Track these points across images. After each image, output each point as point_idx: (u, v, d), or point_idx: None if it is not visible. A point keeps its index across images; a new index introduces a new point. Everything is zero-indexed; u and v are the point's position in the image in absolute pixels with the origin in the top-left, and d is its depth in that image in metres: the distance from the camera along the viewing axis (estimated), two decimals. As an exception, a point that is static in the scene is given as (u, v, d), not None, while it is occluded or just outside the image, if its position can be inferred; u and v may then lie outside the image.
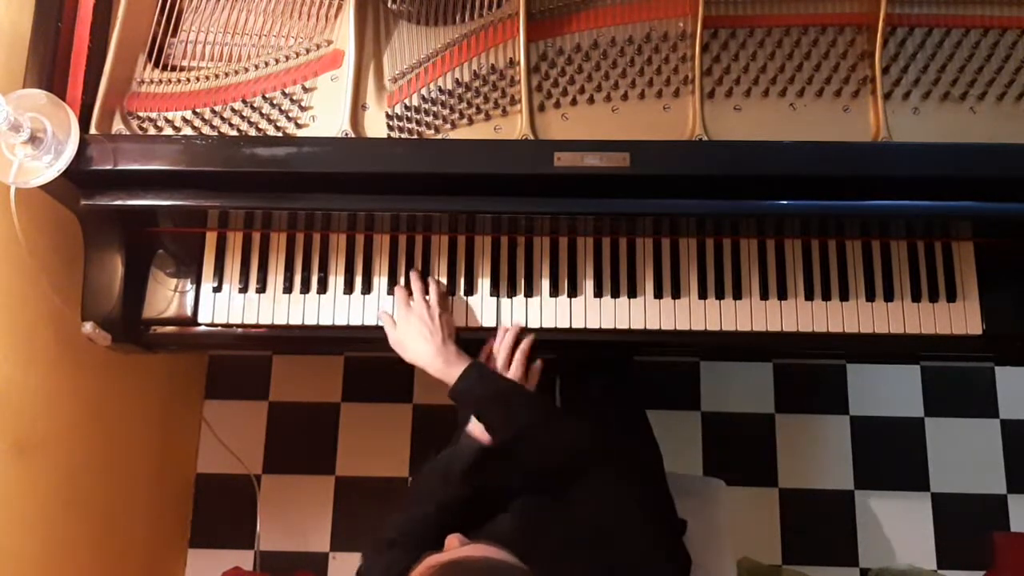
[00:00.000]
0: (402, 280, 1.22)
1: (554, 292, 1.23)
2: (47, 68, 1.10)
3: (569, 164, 1.06)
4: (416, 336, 1.13)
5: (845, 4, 1.20)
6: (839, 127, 1.16)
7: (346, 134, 1.14)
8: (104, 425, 1.52)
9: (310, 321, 1.22)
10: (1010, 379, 2.06)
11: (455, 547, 0.78)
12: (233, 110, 1.17)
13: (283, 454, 2.05)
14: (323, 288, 1.23)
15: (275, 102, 1.17)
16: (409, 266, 1.23)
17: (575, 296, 1.22)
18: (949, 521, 1.99)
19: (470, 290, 1.23)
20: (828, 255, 1.24)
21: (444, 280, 1.23)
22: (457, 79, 1.18)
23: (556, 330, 1.20)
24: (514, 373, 1.14)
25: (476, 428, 1.10)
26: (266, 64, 1.20)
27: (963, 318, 1.21)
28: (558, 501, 0.99)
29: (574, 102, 1.17)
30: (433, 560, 0.75)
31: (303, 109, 1.18)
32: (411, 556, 0.86)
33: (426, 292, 1.17)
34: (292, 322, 1.22)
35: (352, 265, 1.24)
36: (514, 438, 1.03)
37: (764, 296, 1.22)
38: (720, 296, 1.22)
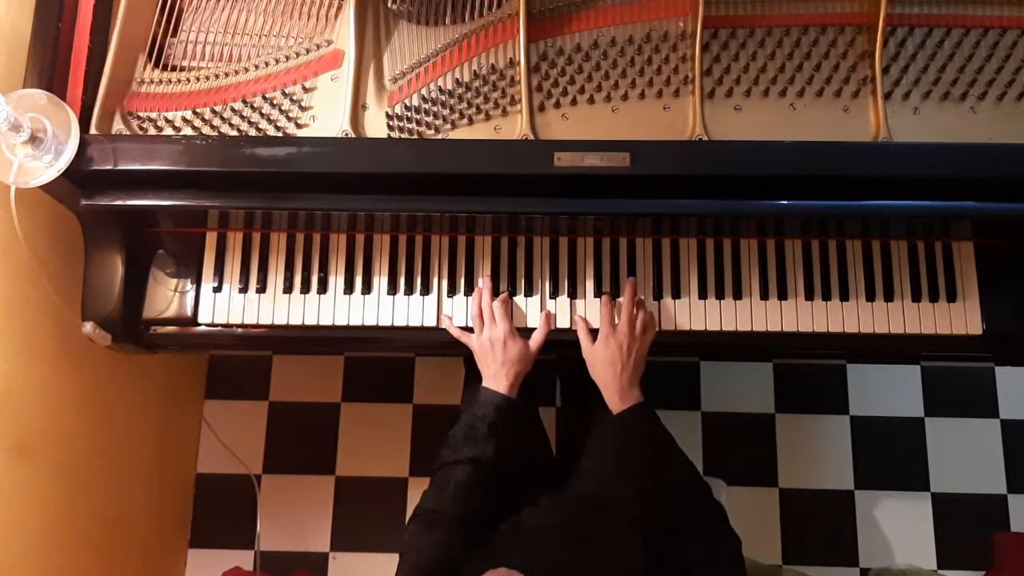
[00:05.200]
0: (600, 295, 1.22)
1: (554, 292, 1.23)
2: (47, 68, 1.11)
3: (569, 164, 1.06)
4: (610, 362, 1.13)
5: (845, 4, 1.20)
6: (839, 127, 1.16)
7: (346, 134, 1.14)
8: (104, 425, 1.52)
9: (310, 321, 1.22)
10: (1010, 379, 2.06)
11: None
12: (233, 110, 1.17)
13: (283, 454, 2.05)
14: (323, 288, 1.23)
15: (275, 102, 1.17)
16: (409, 266, 1.23)
17: (575, 296, 1.22)
18: (949, 521, 1.99)
19: (470, 290, 1.23)
20: (828, 255, 1.24)
21: (445, 283, 1.23)
22: (457, 79, 1.18)
23: (557, 330, 1.20)
24: (501, 325, 1.16)
25: (491, 382, 1.12)
26: (266, 64, 1.20)
27: (963, 318, 1.21)
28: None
29: (574, 102, 1.17)
30: None
31: (303, 109, 1.18)
32: (449, 537, 0.93)
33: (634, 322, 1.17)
34: (292, 322, 1.22)
35: (352, 265, 1.24)
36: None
37: (764, 296, 1.22)
38: (720, 296, 1.22)
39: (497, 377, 1.13)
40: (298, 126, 1.17)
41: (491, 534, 1.00)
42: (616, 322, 1.16)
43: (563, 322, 1.21)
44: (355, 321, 1.22)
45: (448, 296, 1.23)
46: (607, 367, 1.13)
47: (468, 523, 1.00)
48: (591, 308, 1.22)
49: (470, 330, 1.19)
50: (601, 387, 1.14)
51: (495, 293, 1.20)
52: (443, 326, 1.21)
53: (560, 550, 0.96)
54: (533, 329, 1.19)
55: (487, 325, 1.17)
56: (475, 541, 0.98)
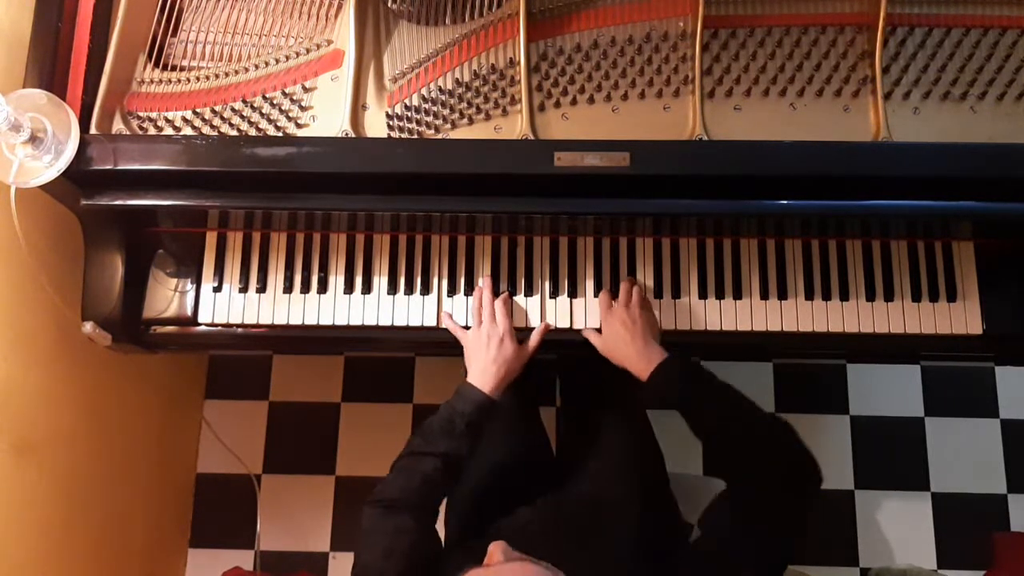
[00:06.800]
0: (603, 283, 1.23)
1: (554, 292, 1.23)
2: (47, 68, 1.11)
3: (569, 164, 1.06)
4: (619, 338, 1.12)
5: (845, 4, 1.20)
6: (839, 127, 1.16)
7: (346, 134, 1.14)
8: (104, 425, 1.52)
9: (310, 321, 1.22)
10: (1010, 379, 2.06)
11: (498, 560, 0.76)
12: (233, 110, 1.17)
13: (283, 454, 2.05)
14: (323, 288, 1.23)
15: (275, 102, 1.17)
16: (409, 266, 1.23)
17: (575, 296, 1.22)
18: (949, 521, 1.99)
19: (470, 290, 1.23)
20: (828, 255, 1.24)
21: (445, 282, 1.23)
22: (457, 79, 1.18)
23: (557, 330, 1.20)
24: (501, 323, 1.15)
25: (477, 378, 1.11)
26: (266, 64, 1.20)
27: (963, 318, 1.21)
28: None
29: (574, 102, 1.17)
30: None
31: (303, 109, 1.18)
32: (420, 524, 0.93)
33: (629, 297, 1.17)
34: (292, 322, 1.22)
35: (352, 265, 1.24)
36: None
37: (764, 296, 1.22)
38: (720, 296, 1.22)
39: (485, 374, 1.11)
40: (298, 126, 1.17)
41: (488, 533, 1.00)
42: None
43: (563, 322, 1.21)
44: (355, 321, 1.22)
45: (448, 296, 1.23)
46: (619, 340, 1.12)
47: (427, 516, 1.02)
48: (591, 308, 1.22)
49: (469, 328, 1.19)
50: (626, 365, 1.12)
51: (495, 293, 1.20)
52: (442, 323, 1.21)
53: (557, 550, 0.95)
54: (532, 330, 1.19)
55: (486, 321, 1.16)
56: (435, 534, 1.00)
